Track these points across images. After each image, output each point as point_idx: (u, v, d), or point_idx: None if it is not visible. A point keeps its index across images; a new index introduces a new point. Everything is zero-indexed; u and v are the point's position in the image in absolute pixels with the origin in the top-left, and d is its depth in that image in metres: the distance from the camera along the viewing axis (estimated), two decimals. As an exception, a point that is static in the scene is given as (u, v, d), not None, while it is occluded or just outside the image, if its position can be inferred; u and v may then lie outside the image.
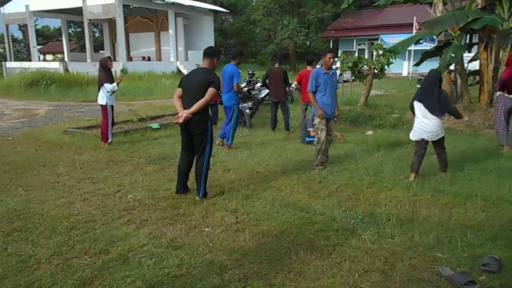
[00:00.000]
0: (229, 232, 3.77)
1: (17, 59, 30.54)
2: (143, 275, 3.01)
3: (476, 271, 3.04)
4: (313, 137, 7.03)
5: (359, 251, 3.37)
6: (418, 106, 5.11)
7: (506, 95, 6.67)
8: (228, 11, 35.03)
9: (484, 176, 5.23)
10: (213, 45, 28.24)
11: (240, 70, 7.12)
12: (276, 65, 8.90)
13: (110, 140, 7.36)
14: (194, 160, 4.66)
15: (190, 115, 4.32)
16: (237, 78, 6.97)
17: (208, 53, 4.59)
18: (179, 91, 4.57)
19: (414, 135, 5.24)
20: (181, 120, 4.33)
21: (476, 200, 4.45)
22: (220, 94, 7.04)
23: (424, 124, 5.05)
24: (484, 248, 3.38)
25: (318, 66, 5.61)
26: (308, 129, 7.46)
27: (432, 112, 4.97)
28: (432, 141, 5.15)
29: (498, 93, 6.89)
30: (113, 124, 7.53)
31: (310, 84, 5.81)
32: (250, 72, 12.94)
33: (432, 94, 5.00)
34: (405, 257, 3.26)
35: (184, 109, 4.40)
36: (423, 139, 5.13)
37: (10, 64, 24.01)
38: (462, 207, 4.33)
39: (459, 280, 2.84)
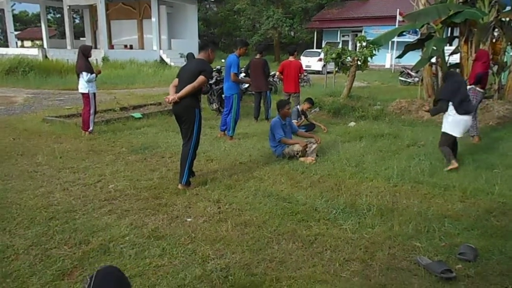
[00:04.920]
0: (211, 222, 3.77)
1: (-7, 45, 29.63)
2: (124, 265, 2.99)
3: (453, 260, 3.12)
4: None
5: (340, 241, 3.42)
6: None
7: (478, 89, 6.86)
8: (212, -1, 34.65)
9: (462, 168, 5.34)
10: (196, 34, 27.98)
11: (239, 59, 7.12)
12: (257, 56, 8.87)
13: (91, 128, 7.24)
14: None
15: (177, 99, 4.44)
16: (233, 68, 7.00)
17: (201, 46, 4.97)
18: (175, 81, 4.74)
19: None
20: (167, 100, 4.53)
21: (454, 191, 4.55)
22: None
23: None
24: (461, 238, 3.47)
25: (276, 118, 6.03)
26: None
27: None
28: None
29: (469, 87, 7.04)
30: (95, 112, 7.41)
31: (279, 133, 5.84)
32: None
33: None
34: (385, 247, 3.32)
35: None
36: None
37: (-14, 50, 23.27)
38: (440, 197, 4.42)
39: (436, 268, 2.91)
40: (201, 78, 4.47)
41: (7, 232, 3.52)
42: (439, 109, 5.48)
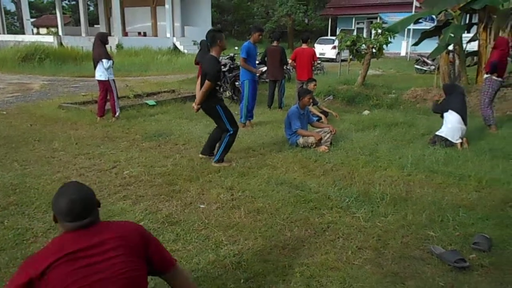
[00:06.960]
0: (224, 209, 3.80)
1: (10, 32, 29.92)
2: (139, 249, 3.04)
3: (467, 250, 3.10)
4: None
5: (352, 229, 3.42)
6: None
7: (495, 78, 6.74)
8: (226, -14, 34.35)
9: (478, 157, 5.28)
10: (210, 21, 27.81)
11: (255, 46, 7.21)
12: (274, 43, 8.82)
13: (117, 114, 7.42)
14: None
15: (199, 106, 4.91)
16: (242, 53, 7.08)
17: (210, 42, 4.83)
18: (199, 80, 5.03)
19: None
20: (194, 110, 5.02)
21: (470, 181, 4.49)
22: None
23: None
24: (475, 227, 3.44)
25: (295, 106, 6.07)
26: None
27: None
28: None
29: (486, 76, 6.94)
30: (117, 98, 7.51)
31: (296, 123, 5.81)
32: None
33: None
34: (398, 235, 3.32)
35: None
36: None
37: (3, 37, 23.53)
38: (455, 187, 4.37)
39: (450, 257, 2.90)
40: (206, 84, 4.74)
41: (26, 216, 3.61)
42: (439, 111, 6.17)
